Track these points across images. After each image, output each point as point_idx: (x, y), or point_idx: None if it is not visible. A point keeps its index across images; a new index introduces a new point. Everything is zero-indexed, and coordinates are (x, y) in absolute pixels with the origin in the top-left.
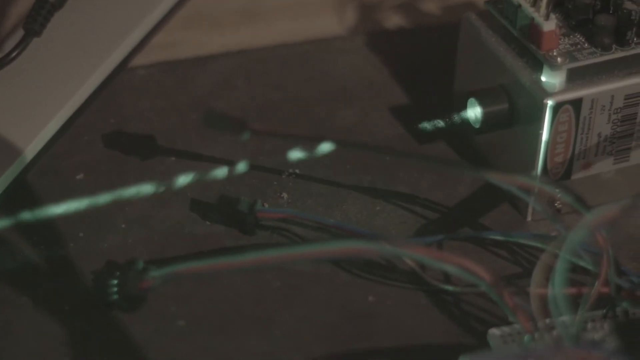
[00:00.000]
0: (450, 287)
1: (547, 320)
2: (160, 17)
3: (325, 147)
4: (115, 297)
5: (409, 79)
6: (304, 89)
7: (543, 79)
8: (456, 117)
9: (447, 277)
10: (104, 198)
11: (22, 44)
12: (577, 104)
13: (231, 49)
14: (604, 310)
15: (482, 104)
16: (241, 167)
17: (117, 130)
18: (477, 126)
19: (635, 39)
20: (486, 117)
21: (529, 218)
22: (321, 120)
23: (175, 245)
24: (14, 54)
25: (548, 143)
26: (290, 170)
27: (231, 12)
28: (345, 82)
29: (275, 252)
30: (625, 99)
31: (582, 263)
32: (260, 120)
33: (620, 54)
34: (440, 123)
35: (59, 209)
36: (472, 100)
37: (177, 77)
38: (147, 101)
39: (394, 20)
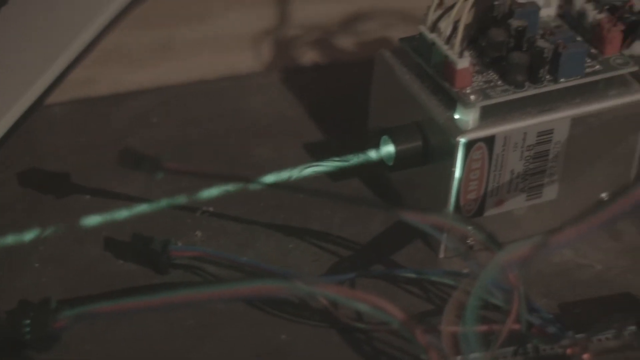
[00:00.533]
0: (362, 325)
1: (459, 358)
2: (77, 54)
3: (239, 185)
4: (29, 336)
5: (324, 115)
6: (220, 126)
7: (456, 116)
8: (370, 154)
9: (359, 315)
10: (18, 236)
11: None
12: (489, 141)
13: (148, 86)
14: (515, 348)
15: (395, 141)
16: (155, 205)
17: (32, 168)
18: (391, 164)
19: (547, 77)
20: (399, 155)
21: (442, 255)
22: (236, 157)
23: (89, 284)
24: None
25: (461, 180)
26: (204, 208)
27: (148, 49)
28: (260, 118)
29: (188, 291)
30: (537, 136)
31: (493, 300)
32: (176, 157)
33: (533, 91)
34: (354, 160)
35: None
36: (385, 137)
37: (93, 115)
38: (64, 139)
39: (309, 56)
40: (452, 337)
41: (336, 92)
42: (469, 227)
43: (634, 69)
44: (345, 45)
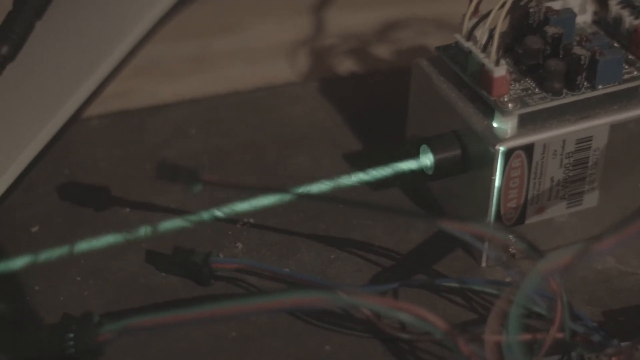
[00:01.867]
0: (405, 336)
1: None
2: (114, 67)
3: (279, 196)
4: (72, 350)
5: (362, 124)
6: (257, 136)
7: (494, 125)
8: (409, 163)
9: (402, 325)
10: (59, 250)
11: None
12: (529, 149)
13: (183, 97)
14: (560, 356)
15: (434, 150)
16: (195, 217)
17: (71, 181)
18: (430, 173)
19: (585, 83)
20: (438, 164)
21: (484, 264)
22: (274, 168)
23: (131, 297)
24: None
25: (501, 189)
26: (245, 220)
27: (183, 60)
28: (297, 128)
29: (231, 303)
30: (576, 143)
31: (536, 309)
32: (213, 168)
33: (570, 98)
34: (393, 169)
35: (14, 262)
36: (424, 146)
37: (130, 127)
38: (101, 151)
39: (346, 66)
40: (496, 347)
41: (373, 101)
42: (510, 236)
43: None
44: (381, 54)
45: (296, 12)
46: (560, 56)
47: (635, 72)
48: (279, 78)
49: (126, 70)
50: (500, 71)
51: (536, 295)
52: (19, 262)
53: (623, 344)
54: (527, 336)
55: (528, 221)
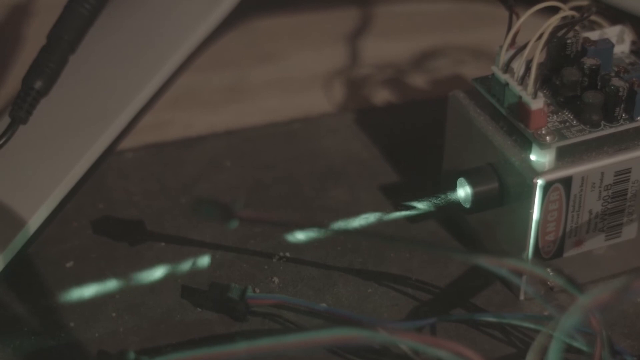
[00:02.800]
0: None
1: None
2: (148, 99)
3: (315, 230)
4: None
5: (398, 155)
6: (293, 168)
7: (532, 157)
8: (446, 196)
9: None
10: (94, 286)
11: (8, 131)
12: (567, 182)
13: (219, 129)
14: None
15: (471, 183)
16: (231, 251)
17: (106, 215)
18: (468, 206)
19: (623, 115)
20: (476, 197)
21: (522, 297)
22: (311, 200)
23: (167, 333)
24: (1, 142)
25: (539, 222)
26: (281, 254)
27: (218, 92)
28: (333, 160)
29: (268, 341)
30: (615, 176)
31: (575, 344)
32: (250, 201)
33: (609, 130)
34: (431, 202)
35: (48, 297)
36: (461, 179)
37: (165, 160)
38: (136, 185)
39: (382, 96)
40: None
41: (409, 132)
42: (548, 271)
43: None
44: (418, 84)
45: (333, 41)
46: (598, 87)
47: None
48: (315, 109)
49: (161, 102)
50: (538, 104)
51: (576, 330)
52: (53, 298)
53: None
54: None
55: (566, 254)
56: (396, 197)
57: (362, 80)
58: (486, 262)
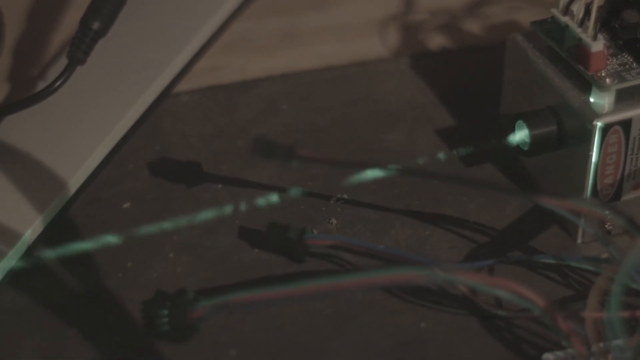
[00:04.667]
0: (502, 312)
1: (602, 345)
2: (204, 42)
3: (373, 172)
4: (166, 327)
5: (455, 100)
6: (349, 112)
7: (592, 100)
8: (504, 139)
9: (499, 302)
10: (151, 227)
11: (66, 73)
12: (626, 124)
13: (274, 73)
14: None
15: (530, 126)
16: (289, 192)
17: (162, 157)
18: (526, 149)
19: None
20: (535, 140)
21: (580, 240)
22: (367, 143)
23: (224, 274)
24: (58, 83)
25: (597, 164)
26: (339, 196)
27: (273, 36)
28: (390, 104)
29: (326, 280)
30: None
31: (636, 286)
32: (306, 145)
33: None
34: (487, 145)
35: (106, 238)
36: (520, 122)
37: (221, 102)
38: (192, 127)
39: (437, 42)
40: (595, 324)
41: (466, 77)
42: (607, 212)
43: None
44: (474, 30)
45: None
46: None
47: None
48: (370, 53)
49: (216, 46)
50: (598, 46)
51: (636, 272)
52: (111, 239)
53: None
54: (627, 313)
55: (624, 197)
56: (453, 140)
57: (417, 25)
58: (546, 202)
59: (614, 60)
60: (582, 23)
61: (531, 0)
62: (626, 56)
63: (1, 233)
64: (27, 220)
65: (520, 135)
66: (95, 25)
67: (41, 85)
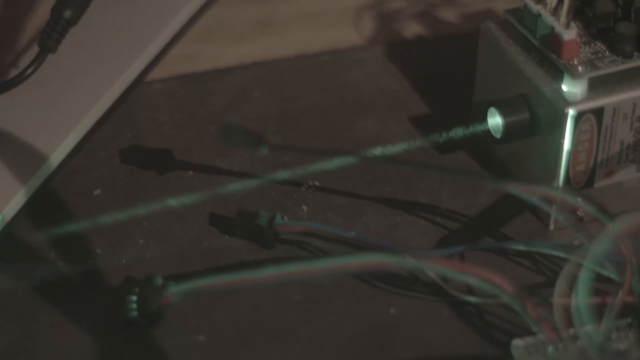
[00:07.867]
0: (472, 299)
1: (571, 330)
2: (177, 30)
3: (345, 159)
4: (135, 313)
5: (428, 88)
6: (322, 100)
7: (564, 88)
8: (476, 127)
9: (469, 289)
10: (121, 213)
11: (37, 60)
12: (598, 112)
13: (248, 61)
14: (629, 319)
15: (503, 113)
16: (260, 180)
17: (134, 144)
18: (498, 136)
19: None
20: (507, 127)
21: (552, 227)
22: (340, 131)
23: (194, 260)
24: (29, 70)
25: (570, 152)
26: (310, 183)
27: (247, 24)
28: (363, 92)
29: (296, 266)
30: None
31: (605, 272)
32: (278, 132)
33: None
34: (460, 133)
35: (76, 225)
36: (492, 110)
37: (194, 90)
38: (164, 115)
39: (412, 30)
40: (564, 310)
41: (439, 65)
42: (579, 199)
43: None
44: (449, 18)
45: None
46: (632, 19)
47: None
48: (344, 41)
49: (190, 34)
50: (571, 34)
51: (605, 258)
52: (81, 225)
53: None
54: (596, 299)
55: (597, 185)
56: (426, 128)
57: (393, 13)
58: (517, 189)
59: (587, 48)
60: (555, 11)
61: None
62: (599, 44)
63: None
64: None
65: (493, 123)
66: (67, 13)
67: (13, 73)
